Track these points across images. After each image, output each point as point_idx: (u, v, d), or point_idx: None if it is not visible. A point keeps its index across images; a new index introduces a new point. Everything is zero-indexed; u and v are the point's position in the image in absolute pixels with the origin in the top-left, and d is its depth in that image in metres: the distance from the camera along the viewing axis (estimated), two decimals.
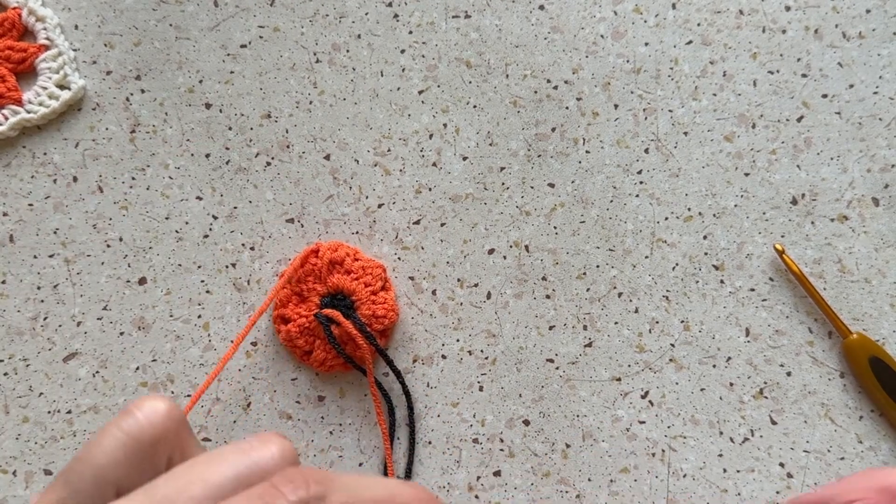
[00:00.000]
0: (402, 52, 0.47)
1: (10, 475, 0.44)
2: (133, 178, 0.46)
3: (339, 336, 0.43)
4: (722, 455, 0.45)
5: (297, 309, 0.44)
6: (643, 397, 0.45)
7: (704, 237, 0.46)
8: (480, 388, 0.45)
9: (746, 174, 0.47)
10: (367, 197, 0.47)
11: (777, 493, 0.44)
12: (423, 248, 0.46)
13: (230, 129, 0.47)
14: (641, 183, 0.47)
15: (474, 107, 0.47)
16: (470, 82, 0.47)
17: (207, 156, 0.47)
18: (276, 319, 0.45)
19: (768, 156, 0.47)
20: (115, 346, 0.45)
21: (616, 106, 0.47)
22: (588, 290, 0.46)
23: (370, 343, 0.43)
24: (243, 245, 0.46)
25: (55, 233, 0.46)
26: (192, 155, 0.47)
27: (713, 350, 0.45)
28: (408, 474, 0.44)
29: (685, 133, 0.47)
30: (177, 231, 0.46)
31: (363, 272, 0.44)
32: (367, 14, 0.47)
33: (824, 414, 0.45)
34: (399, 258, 0.46)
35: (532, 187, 0.47)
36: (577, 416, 0.45)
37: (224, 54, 0.47)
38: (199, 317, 0.45)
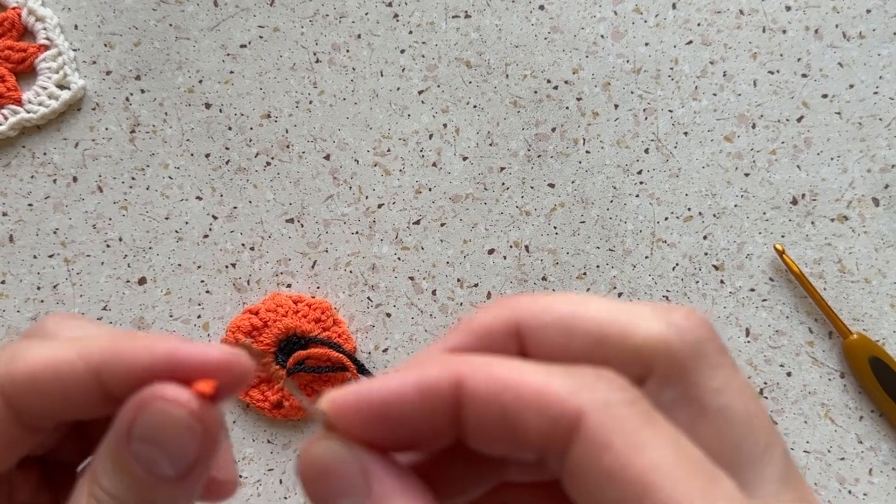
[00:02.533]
0: (402, 52, 0.47)
1: None
2: (133, 178, 0.46)
3: (313, 364, 0.43)
4: None
5: (265, 393, 0.44)
6: None
7: (704, 237, 0.46)
8: None
9: (746, 174, 0.47)
10: (366, 197, 0.47)
11: None
12: (423, 249, 0.46)
13: (230, 129, 0.47)
14: (641, 183, 0.47)
15: (474, 107, 0.47)
16: (470, 82, 0.47)
17: (207, 156, 0.47)
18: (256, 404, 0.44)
19: (768, 156, 0.47)
20: None
21: (616, 106, 0.47)
22: (588, 290, 0.46)
23: (339, 351, 0.43)
24: (243, 245, 0.46)
25: (55, 233, 0.46)
26: (192, 155, 0.46)
27: None
28: None
29: (685, 133, 0.47)
30: (176, 231, 0.46)
31: (310, 310, 0.44)
32: (366, 14, 0.47)
33: (824, 414, 0.45)
34: (399, 258, 0.46)
35: (532, 187, 0.47)
36: None
37: (224, 54, 0.47)
38: (199, 317, 0.45)
